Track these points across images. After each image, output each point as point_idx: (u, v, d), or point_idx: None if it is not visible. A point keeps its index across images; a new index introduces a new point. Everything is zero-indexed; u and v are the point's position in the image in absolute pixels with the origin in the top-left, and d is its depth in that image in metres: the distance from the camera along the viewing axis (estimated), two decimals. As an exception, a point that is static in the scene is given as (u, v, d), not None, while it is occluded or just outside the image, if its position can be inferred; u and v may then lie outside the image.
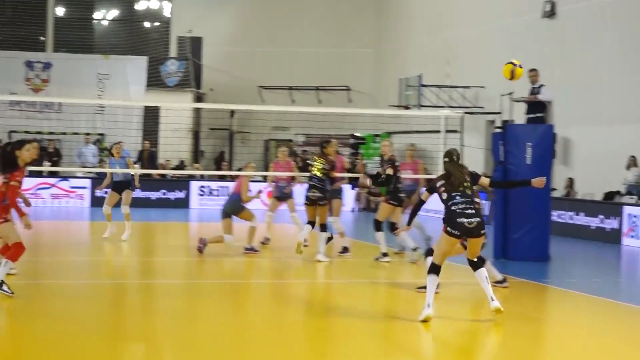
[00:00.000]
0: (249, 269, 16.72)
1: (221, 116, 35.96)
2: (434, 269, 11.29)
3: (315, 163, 17.12)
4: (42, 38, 39.43)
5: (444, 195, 11.22)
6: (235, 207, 17.63)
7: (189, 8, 39.67)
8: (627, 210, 22.78)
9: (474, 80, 31.87)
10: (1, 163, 12.38)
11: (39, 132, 32.87)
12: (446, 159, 11.47)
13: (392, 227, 16.29)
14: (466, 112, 27.34)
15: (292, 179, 19.53)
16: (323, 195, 16.77)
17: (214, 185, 31.58)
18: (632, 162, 24.94)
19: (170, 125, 34.69)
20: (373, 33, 40.60)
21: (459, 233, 11.01)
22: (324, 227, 16.83)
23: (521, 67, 17.05)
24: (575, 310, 13.20)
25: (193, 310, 12.01)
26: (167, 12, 40.38)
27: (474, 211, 11.06)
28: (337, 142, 17.70)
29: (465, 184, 11.24)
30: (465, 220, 10.92)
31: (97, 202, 28.72)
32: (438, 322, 11.15)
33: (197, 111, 36.99)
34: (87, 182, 30.44)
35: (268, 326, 11.28)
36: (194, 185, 31.69)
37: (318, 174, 16.88)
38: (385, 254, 16.97)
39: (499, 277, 13.91)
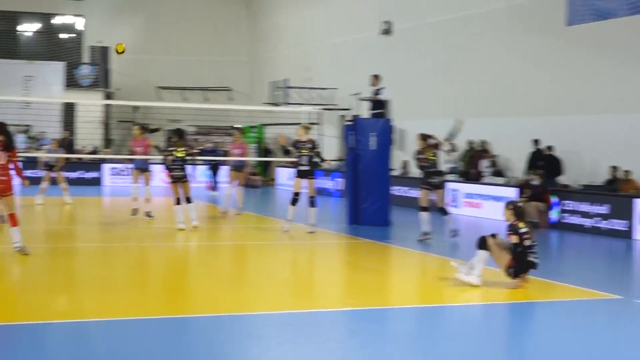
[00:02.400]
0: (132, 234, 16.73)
1: (126, 111, 35.50)
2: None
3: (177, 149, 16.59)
4: (-27, 46, 38.28)
5: None
6: None
7: (99, 22, 38.99)
8: (449, 186, 23.42)
9: (329, 83, 32.25)
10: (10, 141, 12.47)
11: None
12: None
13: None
14: (323, 109, 27.70)
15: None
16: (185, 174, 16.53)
17: (121, 166, 31.36)
18: (452, 147, 25.62)
19: (84, 118, 34.20)
20: (249, 44, 40.66)
21: None
22: (189, 200, 16.55)
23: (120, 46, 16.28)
24: (401, 261, 13.71)
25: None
26: (80, 26, 39.58)
27: None
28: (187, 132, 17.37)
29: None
30: None
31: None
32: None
33: (107, 107, 36.39)
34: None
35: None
36: (106, 167, 31.32)
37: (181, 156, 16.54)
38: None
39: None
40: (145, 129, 19.75)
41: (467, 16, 25.90)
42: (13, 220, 12.26)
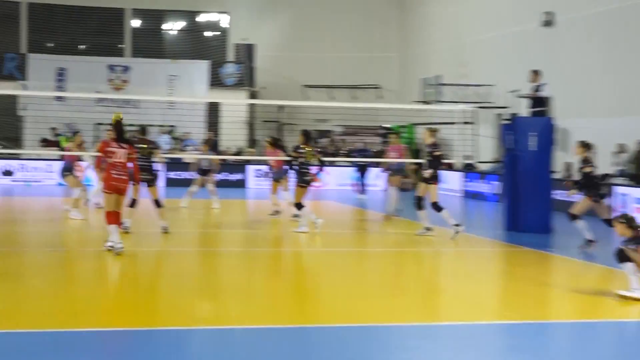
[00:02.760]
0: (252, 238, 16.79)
1: (272, 110, 36.09)
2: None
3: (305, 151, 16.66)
4: (120, 46, 39.70)
5: None
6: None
7: (244, 19, 39.80)
8: (618, 190, 22.64)
9: (486, 80, 31.75)
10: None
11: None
12: None
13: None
14: (479, 107, 27.28)
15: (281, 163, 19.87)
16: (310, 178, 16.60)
17: (267, 168, 31.78)
18: (621, 149, 24.80)
19: (229, 118, 34.96)
20: (398, 40, 40.53)
21: None
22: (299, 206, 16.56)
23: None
24: (562, 271, 13.23)
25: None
26: (225, 23, 40.48)
27: None
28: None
29: None
30: None
31: (170, 182, 29.11)
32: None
33: (252, 106, 37.02)
34: (161, 166, 30.34)
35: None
36: (250, 168, 31.89)
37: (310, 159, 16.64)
38: (428, 229, 16.58)
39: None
40: (275, 143, 20.63)
41: (637, 4, 24.99)
42: (117, 218, 12.91)
